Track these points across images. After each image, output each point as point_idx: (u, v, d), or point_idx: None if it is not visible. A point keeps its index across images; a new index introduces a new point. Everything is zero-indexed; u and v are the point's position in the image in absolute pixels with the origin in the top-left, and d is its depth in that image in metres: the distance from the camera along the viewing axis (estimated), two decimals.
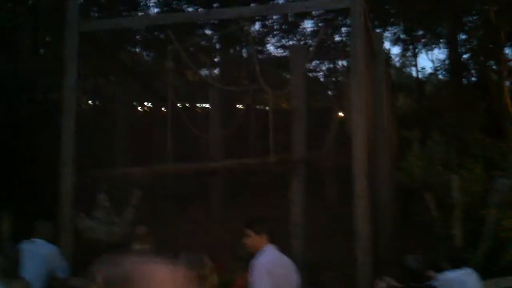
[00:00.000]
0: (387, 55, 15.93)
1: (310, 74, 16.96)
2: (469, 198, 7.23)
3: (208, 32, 15.57)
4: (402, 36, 18.10)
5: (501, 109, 12.29)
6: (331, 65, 17.88)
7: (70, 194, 6.91)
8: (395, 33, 17.73)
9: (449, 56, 16.96)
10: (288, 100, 12.09)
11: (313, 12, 14.95)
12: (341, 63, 17.42)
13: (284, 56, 15.88)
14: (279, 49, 17.41)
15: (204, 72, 14.79)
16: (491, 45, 14.00)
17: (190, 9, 15.12)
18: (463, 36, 16.17)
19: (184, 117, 8.38)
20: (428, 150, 7.85)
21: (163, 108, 11.56)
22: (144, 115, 15.65)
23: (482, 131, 9.36)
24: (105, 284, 1.42)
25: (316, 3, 8.30)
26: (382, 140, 9.01)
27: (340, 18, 15.46)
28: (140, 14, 14.74)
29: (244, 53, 16.45)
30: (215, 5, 14.03)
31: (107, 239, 6.72)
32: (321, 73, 18.52)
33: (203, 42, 14.69)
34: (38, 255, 5.44)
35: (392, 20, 16.52)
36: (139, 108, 15.97)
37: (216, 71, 15.89)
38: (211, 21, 14.01)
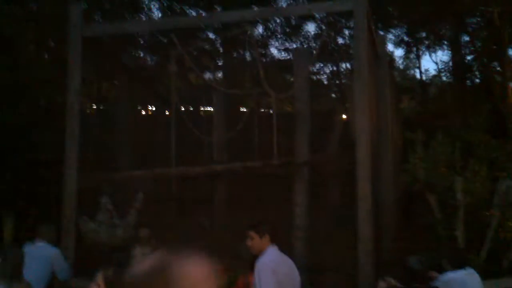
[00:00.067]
0: (390, 57, 15.92)
1: (315, 78, 16.99)
2: (473, 199, 7.21)
3: (211, 35, 15.61)
4: (405, 38, 18.09)
5: (505, 110, 12.26)
6: (334, 68, 17.89)
7: (73, 197, 6.93)
8: (398, 35, 17.73)
9: (453, 58, 16.94)
10: (291, 103, 12.10)
11: (316, 15, 14.97)
12: (345, 65, 17.44)
13: (288, 60, 15.89)
14: (282, 52, 17.47)
15: (207, 75, 14.83)
16: (494, 47, 13.99)
17: (192, 12, 15.15)
18: (467, 38, 16.14)
19: (187, 120, 8.40)
20: (432, 152, 7.82)
21: (166, 112, 11.58)
22: (148, 119, 15.69)
23: (487, 133, 9.33)
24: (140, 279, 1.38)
25: (319, 6, 8.30)
26: (386, 143, 9.00)
27: (343, 20, 15.47)
28: (143, 17, 14.80)
29: (248, 56, 16.49)
30: (217, 7, 14.06)
31: (109, 242, 6.74)
32: (325, 76, 18.55)
33: (206, 46, 14.72)
34: (40, 257, 5.48)
35: (395, 22, 16.52)
36: (142, 111, 16.02)
37: (219, 74, 15.93)
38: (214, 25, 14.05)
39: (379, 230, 7.43)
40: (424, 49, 19.35)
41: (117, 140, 10.50)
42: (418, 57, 20.28)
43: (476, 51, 15.60)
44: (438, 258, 5.05)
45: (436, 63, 27.74)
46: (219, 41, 15.04)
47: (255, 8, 12.66)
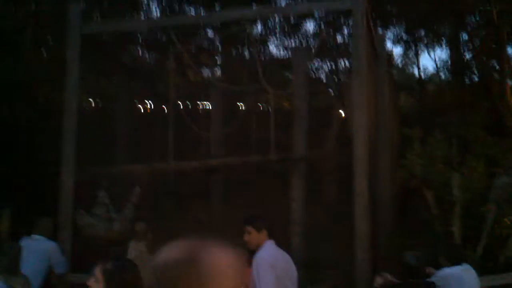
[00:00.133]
0: (389, 55, 15.91)
1: (313, 74, 17.00)
2: (470, 195, 7.22)
3: (210, 33, 15.60)
4: (404, 37, 18.11)
5: (503, 108, 12.30)
6: (333, 65, 17.90)
7: (70, 192, 6.92)
8: (397, 34, 17.76)
9: (451, 56, 16.97)
10: (290, 99, 12.11)
11: (315, 13, 14.96)
12: (343, 63, 17.44)
13: (287, 58, 15.91)
14: (281, 50, 17.48)
15: (206, 72, 14.82)
16: (493, 45, 14.01)
17: (192, 10, 15.15)
18: (465, 36, 16.17)
19: (185, 116, 8.41)
20: (429, 148, 7.84)
21: (164, 107, 11.58)
22: (146, 114, 15.69)
23: (484, 130, 9.35)
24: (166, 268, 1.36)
25: (318, 4, 8.30)
26: (384, 139, 9.01)
27: (342, 18, 15.48)
28: (142, 15, 14.79)
29: (247, 54, 16.49)
30: (216, 5, 14.04)
31: (106, 236, 6.75)
32: (323, 73, 18.56)
33: (205, 44, 14.73)
34: (37, 251, 5.48)
35: (394, 20, 16.53)
36: (140, 107, 16.01)
37: (218, 71, 15.93)
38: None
39: (376, 226, 7.45)
40: (422, 47, 19.38)
41: (115, 135, 10.51)
42: (417, 55, 20.32)
43: (475, 50, 15.62)
44: (434, 254, 5.05)
45: (435, 61, 27.79)
46: (218, 39, 15.05)
47: (255, 7, 12.66)
